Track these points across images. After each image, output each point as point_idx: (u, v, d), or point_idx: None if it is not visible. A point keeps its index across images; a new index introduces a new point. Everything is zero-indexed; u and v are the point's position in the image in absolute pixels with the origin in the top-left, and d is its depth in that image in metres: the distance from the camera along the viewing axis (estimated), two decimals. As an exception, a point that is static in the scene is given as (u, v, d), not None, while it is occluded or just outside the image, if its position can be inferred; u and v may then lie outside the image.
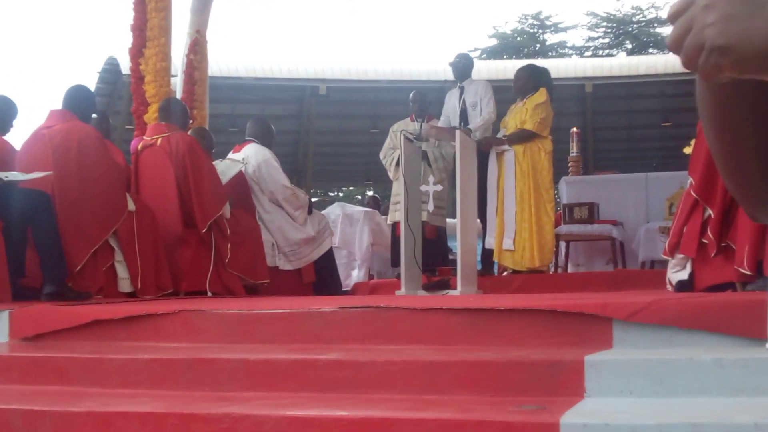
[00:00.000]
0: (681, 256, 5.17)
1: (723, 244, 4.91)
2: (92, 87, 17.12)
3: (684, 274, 5.12)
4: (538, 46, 31.92)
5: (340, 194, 32.43)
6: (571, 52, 32.00)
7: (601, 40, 31.82)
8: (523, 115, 8.11)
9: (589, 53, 31.08)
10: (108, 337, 4.44)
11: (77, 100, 6.52)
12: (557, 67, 18.49)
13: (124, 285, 6.32)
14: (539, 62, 17.26)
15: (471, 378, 3.31)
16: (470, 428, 2.85)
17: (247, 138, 8.36)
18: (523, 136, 8.07)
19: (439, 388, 3.30)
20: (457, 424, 2.87)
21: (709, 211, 4.93)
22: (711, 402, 3.00)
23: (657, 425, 2.72)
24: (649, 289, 6.09)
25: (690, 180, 5.09)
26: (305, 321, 4.15)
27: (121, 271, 6.31)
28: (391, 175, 8.94)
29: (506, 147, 8.13)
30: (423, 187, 7.38)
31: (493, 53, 30.98)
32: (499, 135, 8.35)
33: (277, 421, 3.02)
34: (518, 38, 32.01)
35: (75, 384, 3.84)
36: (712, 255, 4.93)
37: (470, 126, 8.33)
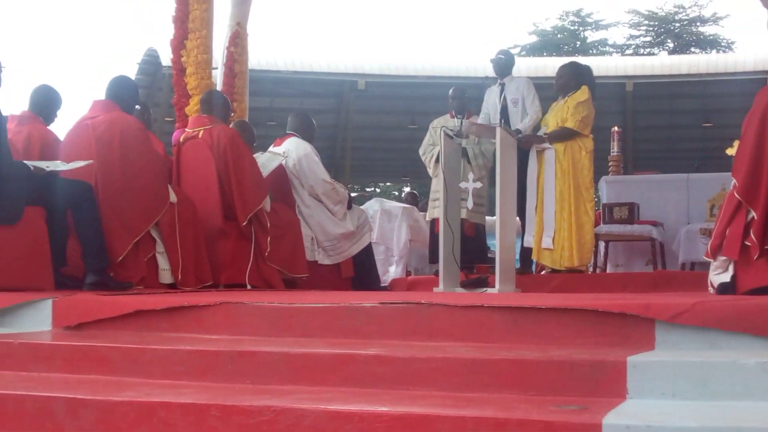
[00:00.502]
0: (723, 258, 5.11)
1: (766, 247, 4.85)
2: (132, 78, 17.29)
3: (726, 277, 5.06)
4: (578, 43, 31.80)
5: (377, 190, 32.45)
6: (611, 50, 31.86)
7: (642, 39, 31.65)
8: (564, 113, 8.07)
9: (630, 51, 30.92)
10: (150, 328, 4.47)
11: (121, 91, 6.57)
12: (598, 65, 18.37)
13: (165, 276, 6.35)
14: (580, 60, 17.22)
15: (512, 376, 3.29)
16: (511, 427, 2.84)
17: (288, 132, 8.39)
18: (563, 135, 8.03)
19: (479, 386, 3.29)
20: (498, 423, 2.86)
21: (753, 213, 4.87)
22: (755, 406, 2.97)
23: (700, 428, 2.71)
24: (689, 291, 6.05)
25: (733, 181, 5.04)
26: (346, 315, 4.15)
27: (162, 263, 6.34)
28: (430, 171, 8.94)
29: (547, 145, 8.09)
30: (462, 184, 7.36)
31: (533, 50, 30.91)
32: (540, 133, 8.31)
33: (318, 415, 3.03)
34: (559, 35, 31.90)
35: (117, 373, 3.86)
36: (755, 258, 4.87)
37: (518, 126, 8.31)
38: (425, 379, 3.38)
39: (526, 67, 17.38)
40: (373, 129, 21.01)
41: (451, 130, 7.44)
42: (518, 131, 8.00)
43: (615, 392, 3.15)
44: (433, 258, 8.44)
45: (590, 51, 30.73)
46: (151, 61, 17.38)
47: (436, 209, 8.35)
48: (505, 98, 8.75)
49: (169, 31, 9.65)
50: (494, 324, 3.89)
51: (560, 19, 32.48)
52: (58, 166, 5.87)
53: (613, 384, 3.17)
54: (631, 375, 3.15)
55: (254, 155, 7.54)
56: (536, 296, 4.95)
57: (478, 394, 3.24)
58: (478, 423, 2.87)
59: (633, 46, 31.50)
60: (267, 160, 7.70)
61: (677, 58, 21.73)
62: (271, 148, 8.31)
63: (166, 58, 13.12)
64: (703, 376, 3.12)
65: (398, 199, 19.64)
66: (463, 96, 9.00)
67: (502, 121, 8.30)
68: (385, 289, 8.43)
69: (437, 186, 8.15)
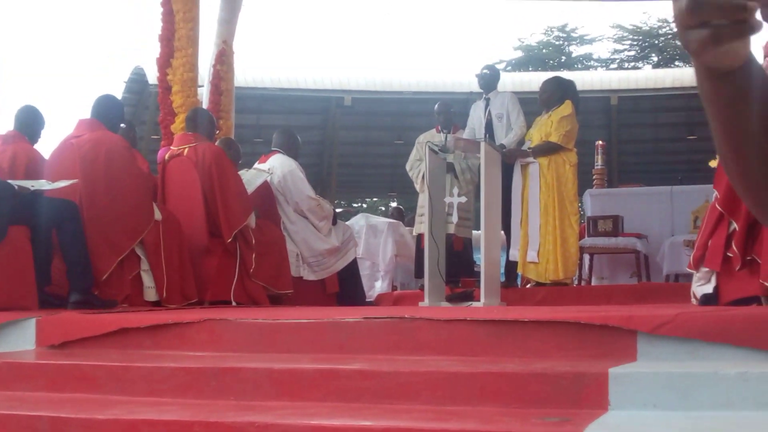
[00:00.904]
0: (706, 269, 5.15)
1: (748, 258, 4.88)
2: (119, 97, 17.28)
3: (709, 288, 5.09)
4: (563, 58, 31.88)
5: (364, 205, 32.47)
6: (596, 64, 31.94)
7: (627, 53, 31.74)
8: (548, 127, 8.11)
9: (614, 66, 31.01)
10: (134, 346, 4.47)
11: (106, 110, 6.59)
12: (583, 79, 18.44)
13: (150, 294, 6.35)
14: (565, 75, 17.27)
15: (495, 389, 3.31)
16: (494, 439, 2.86)
17: (273, 149, 8.41)
18: (548, 149, 8.07)
19: (462, 399, 3.31)
20: (481, 435, 2.88)
21: (734, 225, 4.91)
22: (736, 416, 3.00)
23: (681, 438, 2.72)
24: (673, 303, 6.07)
25: (715, 193, 5.08)
26: (330, 331, 4.17)
27: (147, 280, 6.35)
28: (417, 187, 8.95)
29: (531, 159, 8.13)
30: (447, 199, 7.38)
31: (518, 65, 30.98)
32: (524, 147, 8.35)
33: (301, 430, 3.04)
34: (544, 50, 31.98)
35: (101, 391, 3.86)
36: (737, 269, 4.91)
37: (503, 141, 8.33)
38: (409, 393, 3.39)
39: (511, 82, 17.43)
40: (359, 145, 21.02)
41: (436, 145, 7.46)
42: (502, 146, 8.02)
43: (597, 404, 3.16)
44: (420, 273, 8.45)
45: (575, 66, 30.83)
46: (137, 79, 17.36)
47: (422, 224, 8.36)
48: (490, 113, 8.77)
49: (155, 49, 9.67)
50: (477, 337, 3.91)
51: (545, 34, 32.56)
52: (42, 185, 5.88)
53: (595, 396, 3.18)
54: (613, 386, 3.17)
55: (239, 172, 7.56)
56: (519, 309, 4.97)
57: (461, 407, 3.25)
58: (461, 436, 2.89)
59: (618, 60, 31.60)
60: (252, 177, 7.72)
61: (661, 72, 21.82)
62: (256, 165, 8.32)
63: (152, 76, 13.13)
64: (685, 387, 3.14)
65: (385, 214, 19.65)
66: (449, 111, 9.03)
67: (487, 135, 8.31)
68: (370, 304, 8.43)
69: (424, 201, 8.16)
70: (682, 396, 3.13)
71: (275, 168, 8.05)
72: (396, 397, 3.39)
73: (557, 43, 32.46)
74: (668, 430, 2.81)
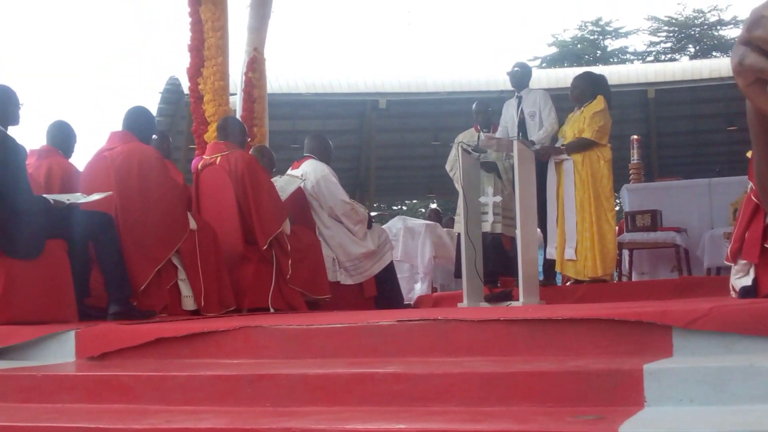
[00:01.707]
0: (744, 262, 5.09)
1: (787, 249, 4.83)
2: (155, 107, 17.44)
3: (747, 280, 5.03)
4: (598, 52, 31.71)
5: (404, 207, 32.46)
6: (632, 57, 31.74)
7: (663, 45, 31.53)
8: (581, 123, 8.06)
9: (651, 58, 30.79)
10: (171, 355, 4.50)
11: (137, 122, 6.64)
12: (619, 73, 18.38)
13: (188, 303, 6.39)
14: (600, 69, 17.16)
15: (529, 389, 3.29)
16: (528, 439, 2.84)
17: (305, 154, 8.43)
18: (581, 145, 8.02)
19: (497, 399, 3.29)
20: (514, 436, 2.87)
21: (771, 216, 4.85)
22: (772, 409, 2.96)
23: (717, 434, 2.69)
24: (713, 296, 6.01)
25: (750, 185, 5.02)
26: (364, 335, 4.17)
27: (185, 289, 6.39)
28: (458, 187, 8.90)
29: (565, 156, 8.08)
30: (482, 199, 7.37)
31: (553, 62, 30.87)
32: (558, 144, 8.30)
33: (336, 435, 3.04)
34: (578, 45, 31.84)
35: (139, 401, 3.89)
36: (775, 260, 4.86)
37: (533, 138, 8.28)
38: (443, 394, 3.38)
39: (546, 78, 17.39)
40: (396, 147, 21.04)
41: (469, 145, 7.45)
42: (532, 143, 7.98)
43: (632, 401, 3.13)
44: (459, 273, 8.43)
45: (611, 60, 30.63)
46: (173, 89, 17.48)
47: (460, 224, 8.36)
48: (522, 111, 8.74)
49: (187, 59, 9.73)
50: (512, 337, 3.89)
51: (579, 29, 32.43)
52: (78, 198, 5.93)
53: (630, 392, 3.16)
54: (648, 383, 3.14)
55: (272, 179, 7.59)
56: (553, 308, 4.95)
57: (495, 408, 3.24)
58: (495, 437, 2.88)
59: (654, 53, 31.38)
60: (285, 184, 7.74)
61: (699, 63, 21.60)
62: (289, 171, 8.34)
63: (187, 86, 13.22)
64: (721, 380, 3.10)
65: (424, 216, 19.64)
66: (488, 110, 9.02)
67: (520, 134, 8.29)
68: (408, 306, 8.42)
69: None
70: (718, 390, 3.09)
71: (308, 174, 8.06)
72: (430, 399, 3.38)
73: (592, 37, 32.29)
74: (705, 425, 2.77)
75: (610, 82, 8.92)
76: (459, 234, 8.78)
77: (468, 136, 8.75)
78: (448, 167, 9.17)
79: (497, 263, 8.34)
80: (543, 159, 8.09)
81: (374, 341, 4.12)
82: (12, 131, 5.74)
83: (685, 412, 3.02)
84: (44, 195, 5.90)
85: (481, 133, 7.85)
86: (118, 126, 6.69)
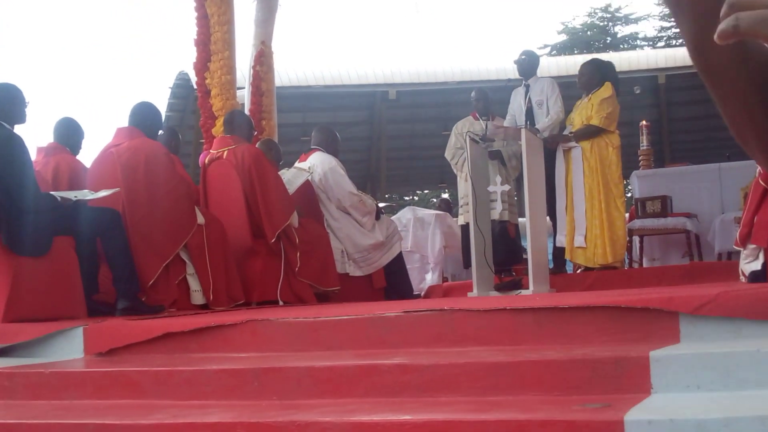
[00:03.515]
0: (753, 246, 5.08)
1: (796, 233, 4.80)
2: (165, 102, 17.46)
3: (757, 265, 5.03)
4: (608, 39, 31.61)
5: (415, 198, 32.44)
6: (642, 43, 31.62)
7: (673, 30, 31.32)
8: (588, 110, 8.02)
9: (662, 44, 30.66)
10: (179, 350, 4.50)
11: (143, 117, 6.64)
12: (629, 59, 18.27)
13: (197, 297, 6.39)
14: (609, 56, 17.08)
15: (535, 378, 3.28)
16: (534, 428, 2.83)
17: (312, 147, 8.41)
18: (589, 132, 7.98)
19: (503, 388, 3.29)
20: (520, 425, 2.86)
21: (780, 200, 4.83)
22: (780, 394, 2.94)
23: (724, 419, 2.68)
24: (724, 281, 5.99)
25: (758, 169, 5.00)
26: (370, 326, 4.16)
27: (193, 284, 6.38)
28: (460, 175, 8.88)
29: (573, 144, 8.04)
30: (491, 188, 7.35)
31: (563, 49, 30.77)
32: (566, 132, 8.26)
33: (342, 427, 3.04)
34: (588, 32, 31.74)
35: (147, 397, 3.90)
36: (785, 244, 4.84)
37: (537, 126, 8.24)
38: (449, 384, 3.38)
39: (556, 66, 17.29)
40: (406, 138, 20.99)
41: (477, 134, 7.42)
42: (536, 130, 7.94)
43: (639, 388, 3.13)
44: (468, 263, 8.40)
45: (621, 46, 30.53)
46: (182, 84, 17.45)
47: (465, 214, 8.33)
48: (530, 100, 8.69)
49: (194, 54, 9.72)
50: (518, 326, 3.89)
51: (589, 15, 32.33)
52: (85, 195, 5.94)
53: (636, 380, 3.15)
54: (655, 369, 3.13)
55: (280, 172, 7.58)
56: (560, 296, 4.93)
57: (501, 397, 3.24)
58: (500, 426, 2.87)
59: (664, 38, 31.24)
60: (293, 176, 7.72)
61: (709, 47, 21.44)
62: (296, 164, 8.33)
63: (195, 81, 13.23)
64: (727, 366, 3.09)
65: (436, 206, 19.62)
66: (487, 98, 8.97)
67: (528, 122, 8.25)
68: (418, 297, 8.40)
69: (467, 190, 8.10)
70: (725, 376, 3.08)
71: (315, 166, 8.04)
72: (437, 389, 3.38)
73: (601, 24, 32.18)
74: (711, 412, 2.75)
75: (620, 69, 8.87)
76: (463, 225, 8.78)
77: (467, 125, 8.71)
78: (448, 156, 9.12)
79: (506, 252, 8.31)
80: (551, 147, 8.06)
81: (381, 332, 4.11)
82: (18, 129, 5.75)
83: (691, 398, 3.01)
84: (51, 192, 5.91)
85: (489, 123, 7.83)
86: (125, 122, 6.69)
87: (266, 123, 10.20)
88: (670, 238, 9.66)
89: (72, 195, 5.85)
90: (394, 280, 8.21)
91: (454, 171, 9.10)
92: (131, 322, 4.87)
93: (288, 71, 17.19)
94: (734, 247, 6.14)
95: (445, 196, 22.59)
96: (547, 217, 7.88)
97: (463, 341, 3.93)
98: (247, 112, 9.80)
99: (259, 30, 10.57)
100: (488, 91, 9.22)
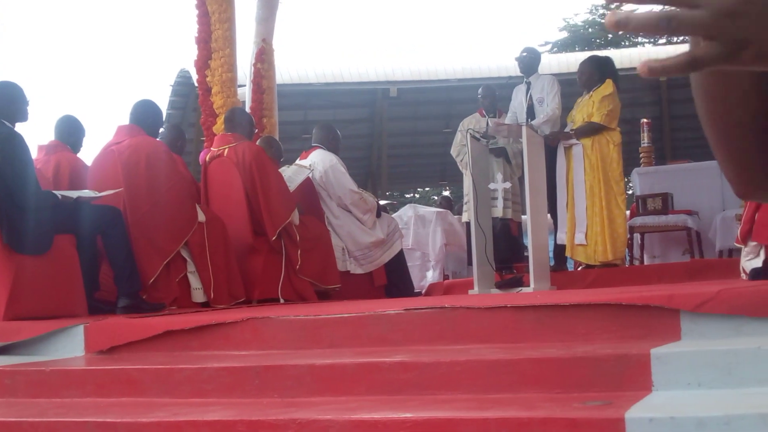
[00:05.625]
0: (754, 243, 5.07)
1: (797, 230, 4.80)
2: (166, 100, 17.44)
3: (758, 262, 5.02)
4: (610, 36, 31.52)
5: (416, 195, 32.42)
6: (644, 40, 31.55)
7: (674, 28, 31.31)
8: (589, 108, 8.00)
9: (663, 41, 30.60)
10: (180, 347, 4.50)
11: (144, 115, 6.64)
12: (630, 56, 18.23)
13: (198, 295, 6.39)
14: (610, 53, 17.06)
15: (536, 375, 3.28)
16: (534, 426, 2.83)
17: (313, 144, 8.41)
18: (590, 129, 7.96)
19: (504, 386, 3.29)
20: (521, 423, 2.86)
21: (781, 197, 4.82)
22: (780, 391, 2.94)
23: (724, 416, 2.68)
24: (724, 279, 5.98)
25: (759, 165, 4.98)
26: (371, 324, 4.16)
27: (194, 282, 6.39)
28: (467, 173, 8.86)
29: (574, 141, 8.03)
30: (492, 185, 7.35)
31: (564, 46, 30.69)
32: (567, 129, 8.25)
33: (342, 424, 3.04)
34: (589, 29, 31.67)
35: (147, 395, 3.90)
36: (786, 241, 4.83)
37: (532, 123, 8.22)
38: (450, 382, 3.38)
39: (557, 63, 17.28)
40: (407, 135, 20.98)
41: (478, 132, 7.42)
42: (532, 127, 7.93)
43: (640, 385, 3.13)
44: (471, 260, 8.39)
45: (622, 43, 30.46)
46: (184, 82, 17.42)
47: (469, 212, 8.33)
48: (531, 97, 8.69)
49: (194, 52, 9.71)
50: (519, 324, 3.88)
51: (590, 12, 32.23)
52: (87, 194, 5.94)
53: (637, 377, 3.15)
54: (656, 367, 3.13)
55: (280, 169, 7.57)
56: (560, 293, 4.94)
57: (502, 395, 3.24)
58: (501, 424, 2.87)
59: (666, 35, 31.17)
60: (293, 174, 7.72)
61: (711, 45, 21.41)
62: (297, 162, 8.32)
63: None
64: (728, 363, 3.09)
65: (437, 203, 19.61)
66: (494, 94, 8.98)
67: (529, 120, 8.24)
68: (419, 294, 8.40)
69: (470, 188, 8.09)
70: (725, 373, 3.08)
71: (316, 164, 8.04)
72: (437, 387, 3.38)
73: (603, 21, 32.05)
74: (711, 409, 2.75)
75: (621, 66, 8.85)
76: (467, 222, 8.78)
77: (474, 122, 8.72)
78: (454, 153, 9.13)
79: (508, 249, 8.31)
80: (552, 144, 8.05)
81: (382, 330, 4.11)
82: (19, 127, 5.75)
83: (693, 395, 3.01)
84: (53, 191, 5.91)
85: (489, 119, 7.83)
86: (126, 119, 6.69)
87: (267, 120, 10.20)
88: (671, 236, 9.64)
89: (74, 194, 5.85)
90: (394, 278, 8.21)
91: (461, 168, 9.10)
92: (132, 320, 4.87)
93: (289, 69, 17.17)
94: (735, 244, 6.14)
95: (446, 193, 22.62)
96: (548, 215, 7.87)
97: (463, 339, 3.93)
98: (248, 109, 9.79)
99: (259, 27, 10.56)
100: (495, 87, 9.22)
